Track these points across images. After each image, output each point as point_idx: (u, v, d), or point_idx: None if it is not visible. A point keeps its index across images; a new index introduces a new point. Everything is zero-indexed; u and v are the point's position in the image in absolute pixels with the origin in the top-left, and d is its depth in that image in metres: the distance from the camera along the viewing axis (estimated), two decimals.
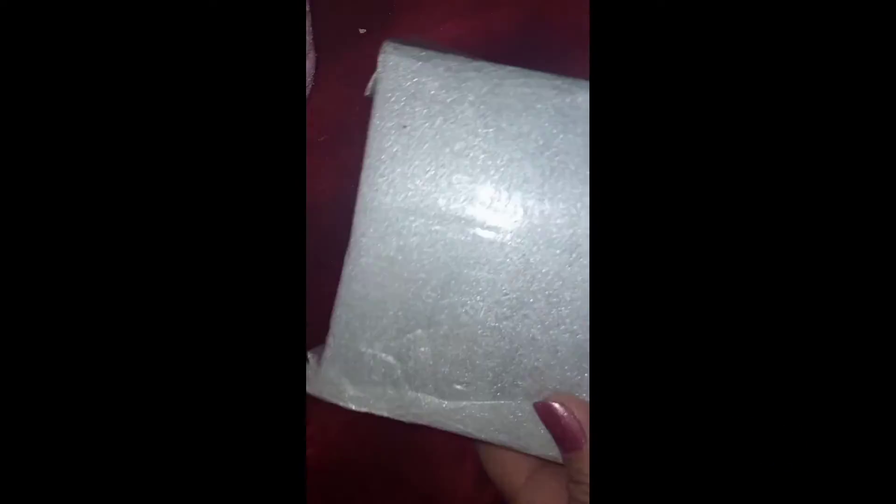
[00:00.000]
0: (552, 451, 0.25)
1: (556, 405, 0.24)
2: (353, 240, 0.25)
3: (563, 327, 0.25)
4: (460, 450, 0.34)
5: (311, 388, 0.25)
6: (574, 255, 0.25)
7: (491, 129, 0.25)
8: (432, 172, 0.25)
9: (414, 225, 0.25)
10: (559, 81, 0.25)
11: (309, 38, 0.31)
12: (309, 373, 0.25)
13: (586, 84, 0.25)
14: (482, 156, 0.25)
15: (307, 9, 0.31)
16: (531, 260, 0.25)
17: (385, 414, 0.25)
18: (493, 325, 0.25)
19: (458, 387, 0.25)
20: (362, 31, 0.35)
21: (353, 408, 0.25)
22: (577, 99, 0.25)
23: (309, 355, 0.26)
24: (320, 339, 0.26)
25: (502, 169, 0.25)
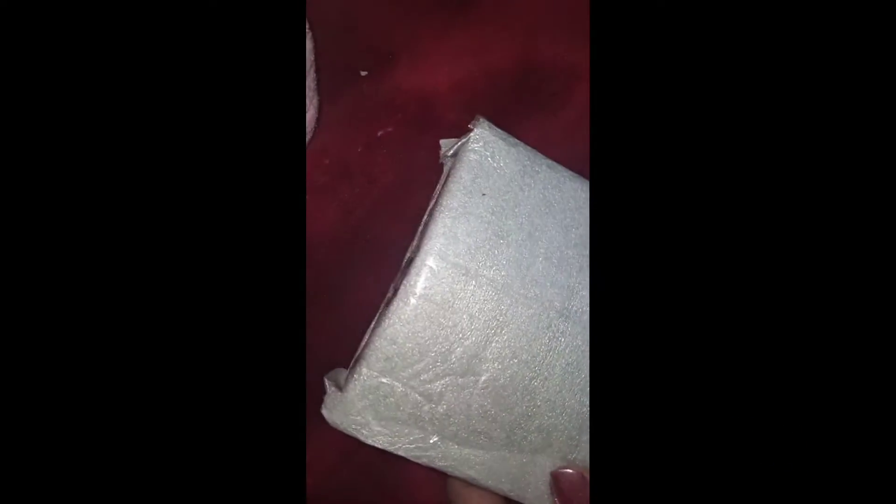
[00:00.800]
0: (543, 502, 0.27)
1: (566, 478, 0.27)
2: (408, 279, 0.26)
3: (575, 392, 0.28)
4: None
5: (332, 416, 0.26)
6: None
7: (548, 217, 0.28)
8: (490, 240, 0.27)
9: (468, 286, 0.27)
10: None
11: (312, 83, 0.33)
12: (328, 401, 0.26)
13: None
14: (538, 234, 0.28)
15: (312, 50, 0.32)
16: (555, 328, 0.28)
17: (408, 457, 0.26)
18: (524, 384, 0.27)
19: (477, 437, 0.27)
20: (363, 73, 0.36)
21: (378, 445, 0.26)
22: None
23: (327, 382, 0.26)
24: (313, 371, 0.26)
25: (543, 249, 0.28)
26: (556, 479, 0.27)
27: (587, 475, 0.28)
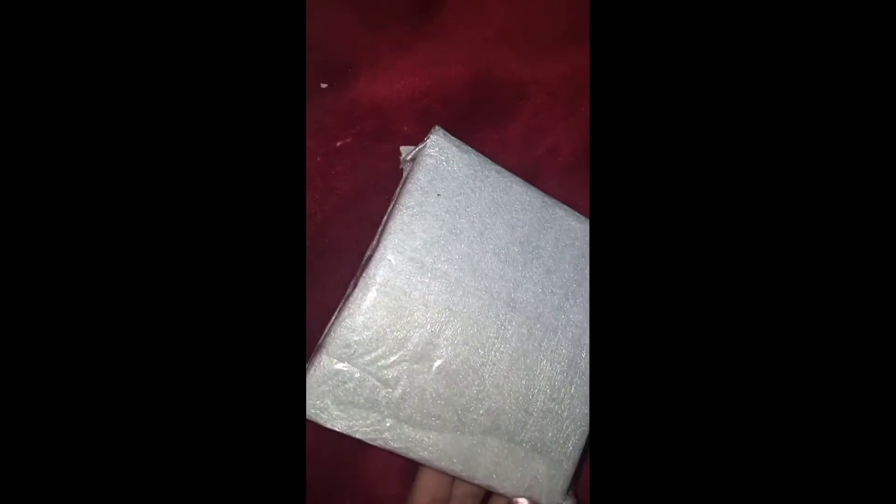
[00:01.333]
0: (492, 481, 0.30)
1: None
2: (367, 271, 0.28)
3: (521, 376, 0.30)
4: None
5: None
6: (527, 318, 0.31)
7: (497, 217, 0.31)
8: (444, 237, 0.30)
9: (424, 278, 0.29)
10: (547, 199, 0.33)
11: None
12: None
13: (564, 206, 0.33)
14: (486, 232, 0.31)
15: None
16: (503, 318, 0.30)
17: (359, 437, 0.27)
18: (472, 369, 0.29)
19: (430, 420, 0.28)
20: (324, 85, 0.37)
21: (338, 429, 0.27)
22: (556, 212, 0.33)
23: None
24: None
25: (492, 246, 0.31)
26: None
27: None
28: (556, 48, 0.40)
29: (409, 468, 0.35)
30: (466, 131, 0.33)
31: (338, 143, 0.37)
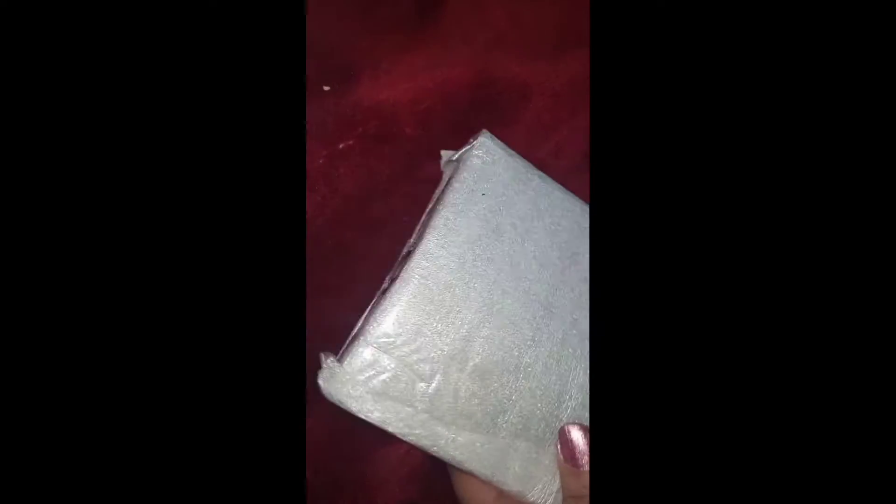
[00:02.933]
0: (523, 487, 0.29)
1: (571, 430, 0.30)
2: (410, 263, 0.28)
3: (553, 381, 0.30)
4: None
5: (328, 386, 0.26)
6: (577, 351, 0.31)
7: (538, 221, 0.31)
8: (487, 236, 0.30)
9: (465, 275, 0.29)
10: (586, 206, 0.33)
11: None
12: (325, 373, 0.26)
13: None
14: (527, 235, 0.31)
15: None
16: (539, 321, 0.30)
17: (391, 430, 0.27)
18: (506, 371, 0.29)
19: (463, 419, 0.28)
20: (326, 88, 0.37)
21: (368, 419, 0.27)
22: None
23: (323, 355, 0.27)
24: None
25: (532, 248, 0.31)
26: (563, 434, 0.30)
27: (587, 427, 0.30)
28: (558, 50, 0.40)
29: (413, 476, 0.35)
30: (469, 133, 0.33)
31: (340, 146, 0.37)
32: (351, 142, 0.37)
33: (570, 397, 0.30)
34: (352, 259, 0.33)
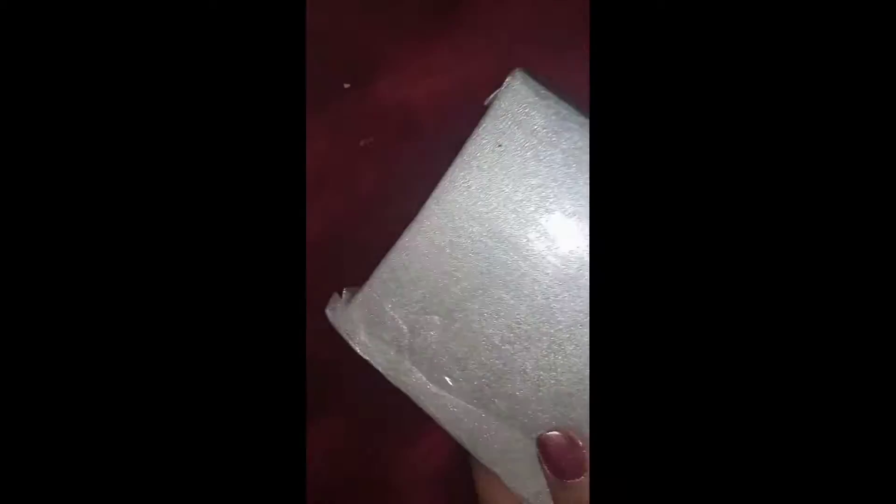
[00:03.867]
0: (498, 469, 0.28)
1: (553, 442, 0.27)
2: (417, 218, 0.28)
3: (552, 373, 0.28)
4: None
5: (333, 316, 0.28)
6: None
7: (569, 180, 0.27)
8: (506, 194, 0.27)
9: (472, 230, 0.27)
10: None
11: None
12: (336, 304, 0.28)
13: None
14: (552, 198, 0.27)
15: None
16: (553, 305, 0.27)
17: (380, 369, 0.28)
18: (496, 343, 0.28)
19: (447, 379, 0.28)
20: (347, 85, 0.37)
21: (359, 352, 0.28)
22: None
23: (344, 291, 0.29)
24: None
25: (562, 217, 0.27)
26: (543, 445, 0.27)
27: (575, 436, 0.27)
28: (580, 44, 0.40)
29: (435, 479, 0.34)
30: None
31: (361, 143, 0.37)
32: (371, 139, 0.37)
33: (569, 394, 0.28)
34: (375, 257, 0.32)
